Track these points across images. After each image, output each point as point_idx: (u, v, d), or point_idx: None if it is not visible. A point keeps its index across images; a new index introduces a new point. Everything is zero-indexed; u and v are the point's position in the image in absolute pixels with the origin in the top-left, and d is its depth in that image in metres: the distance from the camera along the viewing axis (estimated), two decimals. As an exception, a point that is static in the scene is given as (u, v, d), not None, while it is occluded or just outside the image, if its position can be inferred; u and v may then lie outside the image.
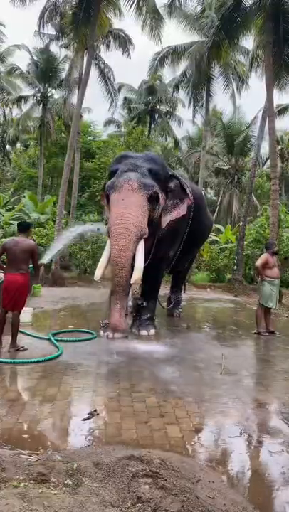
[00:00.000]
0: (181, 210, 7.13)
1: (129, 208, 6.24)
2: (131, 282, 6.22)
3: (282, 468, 3.16)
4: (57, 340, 6.26)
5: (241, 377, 5.38)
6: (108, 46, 19.76)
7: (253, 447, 3.53)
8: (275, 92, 14.55)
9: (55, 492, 2.41)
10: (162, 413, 3.99)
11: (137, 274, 6.15)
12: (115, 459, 2.84)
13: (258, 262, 7.98)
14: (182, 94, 22.13)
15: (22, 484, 2.46)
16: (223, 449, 3.46)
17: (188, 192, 7.33)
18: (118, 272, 6.05)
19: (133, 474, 2.63)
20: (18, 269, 5.72)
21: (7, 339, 5.86)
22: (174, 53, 19.32)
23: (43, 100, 24.20)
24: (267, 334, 7.88)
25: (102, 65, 21.58)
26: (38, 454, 3.00)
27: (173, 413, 4.01)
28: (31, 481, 2.51)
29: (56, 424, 3.66)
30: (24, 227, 6.17)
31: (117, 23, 18.52)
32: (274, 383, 5.19)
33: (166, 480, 2.60)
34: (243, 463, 3.24)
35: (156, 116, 29.10)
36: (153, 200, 6.54)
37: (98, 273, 6.46)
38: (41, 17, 16.95)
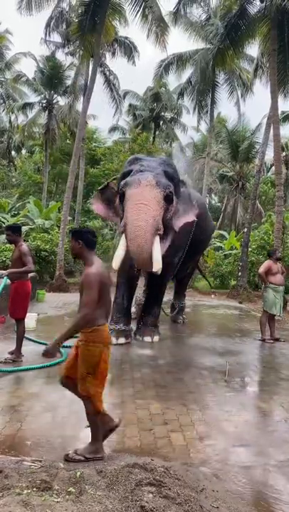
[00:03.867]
0: (190, 216, 7.11)
1: (147, 201, 6.23)
2: (153, 270, 6.28)
3: (288, 478, 3.12)
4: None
5: (246, 384, 5.36)
6: (114, 54, 19.92)
7: (258, 456, 3.48)
8: (280, 99, 14.62)
9: (58, 500, 2.39)
10: (166, 420, 3.96)
11: (158, 265, 6.19)
12: (119, 466, 2.81)
13: (261, 269, 8.02)
14: (187, 101, 22.26)
15: (25, 492, 2.44)
16: (227, 457, 3.42)
17: (192, 200, 7.33)
18: (141, 263, 6.35)
19: (136, 483, 2.60)
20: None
21: (6, 343, 5.85)
22: (179, 60, 19.40)
23: (49, 107, 24.41)
24: (272, 341, 7.84)
25: (108, 72, 21.74)
26: (41, 461, 2.98)
27: (177, 420, 3.98)
28: (34, 489, 2.49)
29: (59, 431, 3.64)
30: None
31: (122, 31, 18.67)
32: (279, 390, 5.14)
33: (170, 489, 2.57)
34: (247, 472, 3.20)
35: (161, 122, 29.23)
36: (168, 200, 6.55)
37: (116, 263, 6.45)
38: (48, 25, 17.13)
